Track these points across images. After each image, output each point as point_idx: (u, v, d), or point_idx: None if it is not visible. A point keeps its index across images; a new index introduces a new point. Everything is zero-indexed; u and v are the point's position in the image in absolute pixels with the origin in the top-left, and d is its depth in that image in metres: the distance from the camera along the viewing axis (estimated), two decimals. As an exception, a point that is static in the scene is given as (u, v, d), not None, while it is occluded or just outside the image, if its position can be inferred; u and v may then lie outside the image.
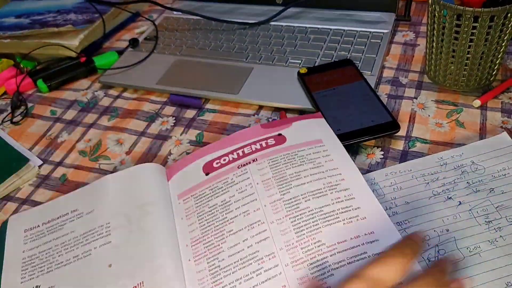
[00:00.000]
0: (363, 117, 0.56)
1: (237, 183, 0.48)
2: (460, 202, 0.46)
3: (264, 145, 0.51)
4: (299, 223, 0.43)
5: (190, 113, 0.66)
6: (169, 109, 0.67)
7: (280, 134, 0.52)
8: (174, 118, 0.66)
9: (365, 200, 0.44)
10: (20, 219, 0.53)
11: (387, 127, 0.55)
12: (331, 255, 0.40)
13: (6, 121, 0.70)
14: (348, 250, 0.40)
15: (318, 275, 0.39)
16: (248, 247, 0.43)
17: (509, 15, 0.53)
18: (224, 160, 0.51)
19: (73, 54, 0.77)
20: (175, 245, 0.46)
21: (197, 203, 0.48)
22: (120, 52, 0.78)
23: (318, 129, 0.52)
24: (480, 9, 0.52)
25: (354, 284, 0.34)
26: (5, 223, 0.53)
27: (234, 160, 0.51)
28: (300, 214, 0.44)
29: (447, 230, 0.44)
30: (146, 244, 0.46)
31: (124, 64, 0.74)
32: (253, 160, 0.50)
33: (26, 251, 0.50)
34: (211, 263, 0.43)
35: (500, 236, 0.43)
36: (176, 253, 0.46)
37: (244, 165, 0.50)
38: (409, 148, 0.55)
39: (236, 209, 0.46)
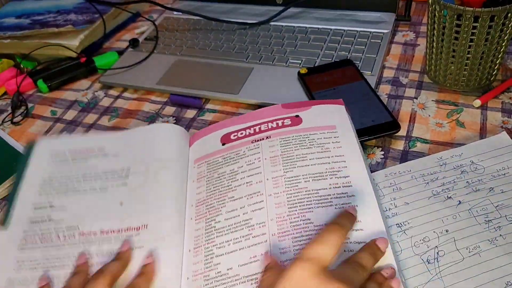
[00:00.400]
0: (364, 117, 0.56)
1: (247, 156, 0.51)
2: (459, 201, 0.46)
3: (280, 124, 0.53)
4: (294, 199, 0.46)
5: (190, 113, 0.66)
6: (169, 109, 0.67)
7: (297, 116, 0.54)
8: (174, 118, 0.66)
9: (361, 189, 0.46)
10: (48, 143, 0.57)
11: (387, 127, 0.55)
12: (315, 233, 0.42)
13: (7, 121, 0.70)
14: None
15: (299, 248, 0.42)
16: (243, 213, 0.46)
17: (509, 15, 0.53)
18: (241, 134, 0.54)
19: (73, 54, 0.77)
20: (183, 203, 0.50)
21: (208, 169, 0.52)
22: (120, 52, 0.78)
23: (335, 115, 0.53)
24: (480, 9, 0.52)
25: (300, 267, 0.36)
26: (32, 143, 0.57)
27: (250, 135, 0.53)
28: (297, 192, 0.46)
29: (447, 231, 0.44)
30: (158, 194, 0.50)
31: (124, 64, 0.75)
32: (267, 137, 0.52)
33: (48, 172, 0.54)
34: (208, 223, 0.47)
35: (500, 235, 0.43)
36: (182, 210, 0.49)
37: (258, 140, 0.52)
38: (409, 148, 0.55)
39: (241, 178, 0.49)
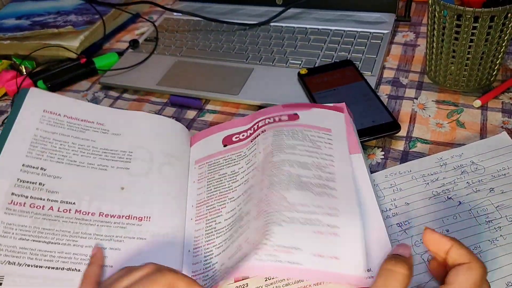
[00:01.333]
0: (364, 118, 0.56)
1: (247, 156, 0.51)
2: (460, 202, 0.46)
3: (276, 119, 0.53)
4: (275, 179, 0.45)
5: (190, 114, 0.66)
6: (170, 110, 0.67)
7: (295, 114, 0.53)
8: (174, 119, 0.66)
9: (344, 187, 0.45)
10: (42, 97, 0.52)
11: (387, 128, 0.55)
12: (289, 211, 0.42)
13: (7, 122, 0.70)
14: (305, 214, 0.42)
15: (269, 224, 0.41)
16: (239, 210, 0.46)
17: (509, 15, 0.53)
18: (243, 135, 0.54)
19: (73, 55, 0.77)
20: (184, 202, 0.50)
21: (209, 170, 0.52)
22: (120, 53, 0.78)
23: (334, 120, 0.53)
24: (480, 9, 0.52)
25: None
26: (24, 91, 0.51)
27: (250, 135, 0.53)
28: (279, 174, 0.45)
29: (447, 231, 0.44)
30: (162, 188, 0.49)
31: (124, 65, 0.74)
32: (262, 132, 0.52)
33: (40, 130, 0.49)
34: (209, 224, 0.47)
35: (501, 235, 0.43)
36: (183, 209, 0.49)
37: (255, 138, 0.52)
38: (409, 149, 0.55)
39: (241, 179, 0.49)
